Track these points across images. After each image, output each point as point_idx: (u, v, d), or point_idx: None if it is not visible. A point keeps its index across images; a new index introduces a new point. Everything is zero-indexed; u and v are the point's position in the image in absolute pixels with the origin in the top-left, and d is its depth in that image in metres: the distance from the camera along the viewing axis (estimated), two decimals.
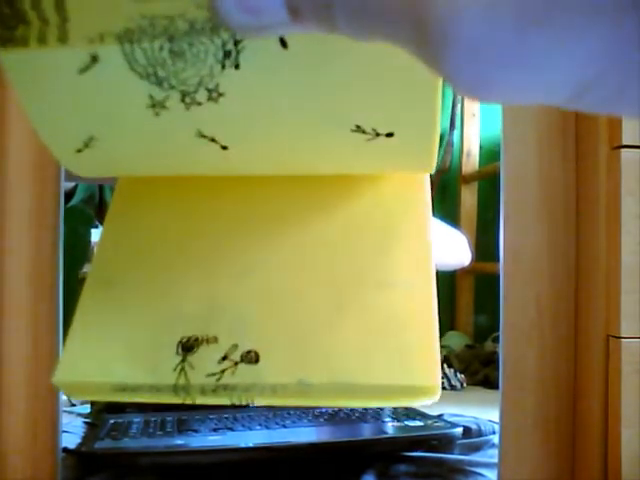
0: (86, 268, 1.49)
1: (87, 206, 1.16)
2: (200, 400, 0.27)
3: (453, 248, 0.82)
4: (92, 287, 0.31)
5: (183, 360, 0.27)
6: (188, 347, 0.28)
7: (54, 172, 0.71)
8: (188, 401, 0.27)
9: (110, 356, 0.28)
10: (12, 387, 0.71)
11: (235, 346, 0.28)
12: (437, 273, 0.30)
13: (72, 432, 0.83)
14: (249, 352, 0.27)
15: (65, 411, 0.73)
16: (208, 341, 0.28)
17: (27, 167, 0.71)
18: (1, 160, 0.71)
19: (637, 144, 0.70)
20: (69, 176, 0.71)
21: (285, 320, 0.28)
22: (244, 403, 0.27)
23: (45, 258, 0.72)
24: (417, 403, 0.27)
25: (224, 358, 0.27)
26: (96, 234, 1.48)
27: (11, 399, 0.71)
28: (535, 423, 0.75)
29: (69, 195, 1.09)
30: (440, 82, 0.24)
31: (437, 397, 0.26)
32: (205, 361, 0.28)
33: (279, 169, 0.30)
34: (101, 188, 1.16)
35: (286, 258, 0.31)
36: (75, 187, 1.12)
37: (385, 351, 0.27)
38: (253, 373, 0.27)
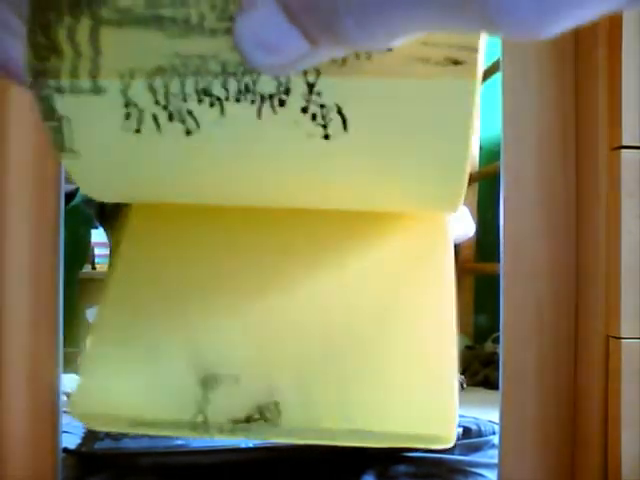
0: (86, 268, 1.49)
1: (88, 207, 1.16)
2: (218, 437, 0.27)
3: (457, 221, 0.82)
4: (107, 312, 0.31)
5: (203, 397, 0.27)
6: (208, 384, 0.28)
7: (54, 173, 0.71)
8: (206, 436, 0.27)
9: (128, 388, 0.28)
10: (12, 387, 0.71)
11: (255, 390, 0.28)
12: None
13: (72, 432, 0.83)
14: (269, 404, 0.27)
15: (65, 411, 0.73)
16: (229, 379, 0.28)
17: (28, 168, 0.71)
18: (2, 161, 0.71)
19: (637, 144, 0.70)
20: (69, 179, 0.71)
21: (303, 362, 0.28)
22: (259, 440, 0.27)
23: (45, 258, 0.72)
24: (432, 447, 0.27)
25: (243, 401, 0.27)
26: (96, 235, 1.48)
27: (11, 399, 0.71)
28: (535, 423, 0.75)
29: (70, 196, 1.09)
30: (471, 125, 0.23)
31: (451, 444, 0.27)
32: (224, 400, 0.28)
33: (302, 201, 0.30)
34: None
35: (303, 298, 0.31)
36: (76, 188, 1.12)
37: (403, 399, 0.27)
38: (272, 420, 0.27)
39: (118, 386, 0.28)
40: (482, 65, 0.21)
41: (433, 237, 0.31)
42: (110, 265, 0.32)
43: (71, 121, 0.24)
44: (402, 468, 0.76)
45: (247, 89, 0.22)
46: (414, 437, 0.26)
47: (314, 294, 0.30)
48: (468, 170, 0.26)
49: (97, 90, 0.23)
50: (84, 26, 0.22)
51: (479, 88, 0.22)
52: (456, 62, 0.21)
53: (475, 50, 0.21)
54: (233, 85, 0.22)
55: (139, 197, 0.31)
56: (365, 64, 0.21)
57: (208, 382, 0.27)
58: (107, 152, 0.26)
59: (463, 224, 0.86)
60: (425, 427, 0.26)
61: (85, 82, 0.22)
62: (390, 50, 0.21)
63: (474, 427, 0.87)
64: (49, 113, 0.24)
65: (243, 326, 0.29)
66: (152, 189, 0.29)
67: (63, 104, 0.23)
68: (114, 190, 0.30)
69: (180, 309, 0.30)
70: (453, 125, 0.23)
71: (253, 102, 0.22)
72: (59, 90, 0.23)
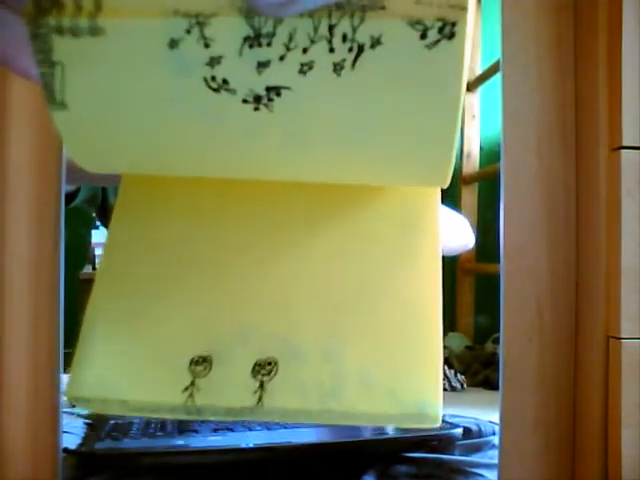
0: (87, 269, 1.49)
1: (89, 207, 1.16)
2: (213, 418, 0.27)
3: (457, 232, 0.82)
4: (101, 293, 0.31)
5: (192, 382, 0.27)
6: (198, 366, 0.28)
7: (55, 172, 0.71)
8: (200, 418, 0.27)
9: (122, 371, 0.28)
10: (12, 387, 0.71)
11: (245, 371, 0.28)
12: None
13: (72, 432, 0.83)
14: (258, 386, 0.27)
15: (65, 411, 0.73)
16: (218, 361, 0.28)
17: (28, 168, 0.71)
18: (1, 160, 0.71)
19: (637, 145, 0.70)
20: (70, 179, 0.71)
21: (292, 342, 0.28)
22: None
23: (46, 259, 0.72)
24: (418, 427, 0.27)
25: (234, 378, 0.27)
26: (97, 235, 1.48)
27: (11, 399, 0.71)
28: (535, 424, 0.75)
29: (71, 196, 1.09)
30: (461, 101, 0.24)
31: (439, 424, 0.27)
32: (214, 383, 0.28)
33: (294, 175, 0.30)
34: (104, 190, 1.16)
35: (296, 271, 0.31)
36: (77, 188, 1.12)
37: (389, 378, 0.27)
38: (259, 399, 0.27)
39: (112, 369, 0.28)
40: (470, 24, 0.22)
41: (423, 208, 0.31)
42: (103, 250, 0.32)
43: (65, 68, 0.23)
44: (403, 468, 0.76)
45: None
46: (402, 416, 0.26)
47: (305, 268, 0.30)
48: (456, 145, 0.26)
49: (96, 31, 0.22)
50: None
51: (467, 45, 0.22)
52: (445, 22, 0.21)
53: (465, 9, 0.21)
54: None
55: (127, 166, 0.31)
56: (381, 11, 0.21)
57: (199, 364, 0.27)
58: (100, 106, 0.25)
59: (463, 235, 0.86)
60: (412, 406, 0.26)
61: (85, 22, 0.22)
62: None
63: (474, 427, 0.87)
64: (45, 55, 0.23)
65: (233, 304, 0.29)
66: (144, 154, 0.28)
67: (61, 46, 0.23)
68: (103, 155, 0.29)
69: (173, 288, 0.30)
70: (442, 81, 0.23)
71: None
72: (59, 30, 0.22)
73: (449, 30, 0.21)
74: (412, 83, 0.23)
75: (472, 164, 1.78)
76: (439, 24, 0.21)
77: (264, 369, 0.28)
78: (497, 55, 0.80)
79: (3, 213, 0.71)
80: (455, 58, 0.22)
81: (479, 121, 1.80)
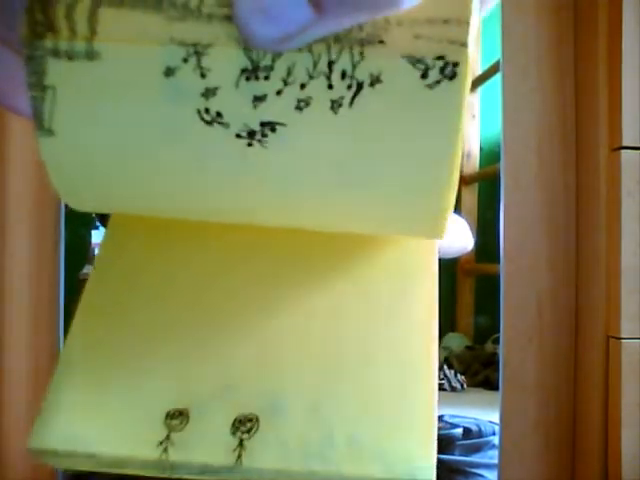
0: (86, 269, 1.49)
1: None
2: (187, 477, 0.26)
3: (456, 234, 0.82)
4: (80, 330, 0.29)
5: (168, 436, 0.26)
6: (174, 420, 0.26)
7: None
8: (175, 476, 0.26)
9: (94, 424, 0.26)
10: (12, 387, 0.71)
11: (225, 425, 0.26)
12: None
13: None
14: (238, 441, 0.26)
15: None
16: (195, 415, 0.27)
17: (28, 168, 0.71)
18: (2, 162, 0.71)
19: (637, 145, 0.70)
20: None
21: (273, 398, 0.27)
22: None
23: (46, 259, 0.72)
24: None
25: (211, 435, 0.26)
26: (97, 235, 1.48)
27: (11, 399, 0.71)
28: (535, 424, 0.75)
29: None
30: (459, 152, 0.23)
31: None
32: (191, 436, 0.26)
33: (289, 222, 0.29)
34: None
35: (284, 323, 0.29)
36: None
37: (378, 439, 0.26)
38: (237, 457, 0.26)
39: (82, 420, 0.26)
40: (473, 65, 0.21)
41: (420, 260, 0.30)
42: (86, 286, 0.31)
43: (56, 92, 0.23)
44: None
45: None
46: None
47: (292, 321, 0.29)
48: (453, 201, 0.24)
49: (92, 55, 0.22)
50: (83, 6, 0.22)
51: (468, 88, 0.21)
52: (447, 61, 0.21)
53: (465, 45, 0.21)
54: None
55: (114, 204, 0.29)
56: (381, 45, 0.21)
57: (174, 418, 0.26)
58: (88, 134, 0.25)
59: (463, 238, 0.86)
60: (402, 471, 0.25)
61: (81, 45, 0.22)
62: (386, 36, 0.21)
63: (474, 428, 0.87)
64: (38, 78, 0.23)
65: (215, 356, 0.28)
66: (130, 189, 0.27)
67: (55, 69, 0.22)
68: (89, 191, 0.28)
69: (154, 336, 0.28)
70: (441, 123, 0.22)
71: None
72: (55, 53, 0.22)
73: (451, 70, 0.21)
74: (411, 122, 0.23)
75: (472, 164, 1.77)
76: (440, 63, 0.21)
77: (244, 426, 0.26)
78: (497, 55, 0.80)
79: (4, 213, 0.71)
80: (457, 98, 0.22)
81: (479, 121, 1.80)
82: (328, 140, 0.23)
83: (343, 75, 0.22)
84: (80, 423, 0.26)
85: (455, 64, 0.21)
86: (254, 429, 0.26)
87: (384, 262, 0.31)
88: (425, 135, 0.22)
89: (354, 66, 0.21)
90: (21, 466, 0.71)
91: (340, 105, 0.22)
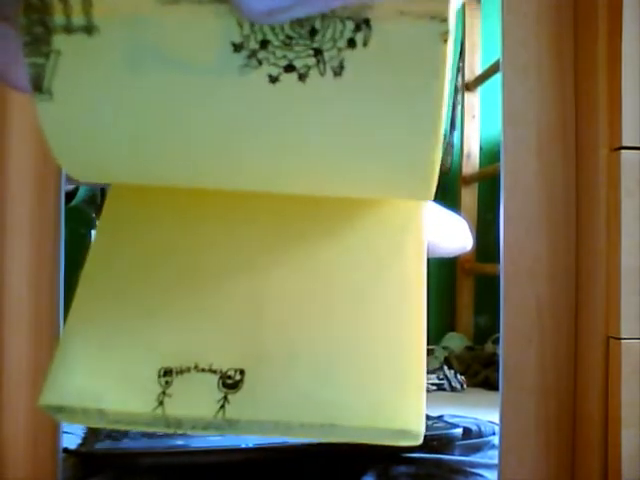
0: None
1: (88, 207, 1.16)
2: (191, 432, 0.26)
3: (455, 233, 0.83)
4: (82, 299, 0.30)
5: (163, 392, 0.27)
6: (169, 376, 0.27)
7: (55, 172, 0.71)
8: (168, 431, 0.26)
9: (103, 381, 0.27)
10: (13, 387, 0.71)
11: (220, 376, 0.27)
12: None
13: (73, 432, 0.83)
14: (232, 396, 0.27)
15: None
16: (194, 369, 0.27)
17: (28, 167, 0.72)
18: (2, 160, 0.71)
19: (637, 145, 0.70)
20: (70, 179, 0.71)
21: (270, 354, 0.28)
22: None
23: (46, 259, 0.72)
24: (398, 444, 0.26)
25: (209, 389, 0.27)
26: None
27: (12, 399, 0.71)
28: (535, 424, 0.75)
29: (70, 195, 1.09)
30: (443, 113, 0.24)
31: (420, 441, 0.25)
32: (184, 393, 0.27)
33: (281, 186, 0.29)
34: (103, 190, 1.16)
35: (278, 283, 0.30)
36: (76, 187, 1.12)
37: (370, 393, 0.26)
38: (232, 410, 0.26)
39: (91, 376, 0.27)
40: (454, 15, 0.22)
41: (408, 221, 0.31)
42: (88, 254, 0.32)
43: (60, 56, 0.23)
44: (402, 469, 0.76)
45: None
46: (381, 432, 0.25)
47: (285, 284, 0.29)
48: (439, 160, 0.25)
49: (90, 29, 0.22)
50: None
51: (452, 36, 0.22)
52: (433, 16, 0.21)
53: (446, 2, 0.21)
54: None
55: (114, 173, 0.30)
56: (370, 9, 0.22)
57: (170, 374, 0.27)
58: (88, 99, 0.25)
59: (462, 237, 0.86)
60: (393, 422, 0.25)
61: (80, 19, 0.22)
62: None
63: (474, 428, 0.87)
64: (39, 48, 0.23)
65: (211, 315, 0.29)
66: (130, 158, 0.28)
67: (57, 39, 0.23)
68: (88, 157, 0.28)
69: (155, 292, 0.30)
70: (426, 77, 0.23)
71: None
72: (54, 29, 0.22)
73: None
74: (400, 84, 0.23)
75: (472, 164, 1.77)
76: None
77: (230, 379, 0.27)
78: (497, 55, 0.80)
79: (4, 213, 0.71)
80: (440, 61, 0.23)
81: (479, 121, 1.80)
82: (330, 103, 0.24)
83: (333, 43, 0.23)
84: (88, 380, 0.27)
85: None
86: (241, 383, 0.26)
87: (374, 223, 0.31)
88: (413, 94, 0.23)
89: (341, 34, 0.22)
90: (21, 466, 0.71)
91: (336, 73, 0.23)
